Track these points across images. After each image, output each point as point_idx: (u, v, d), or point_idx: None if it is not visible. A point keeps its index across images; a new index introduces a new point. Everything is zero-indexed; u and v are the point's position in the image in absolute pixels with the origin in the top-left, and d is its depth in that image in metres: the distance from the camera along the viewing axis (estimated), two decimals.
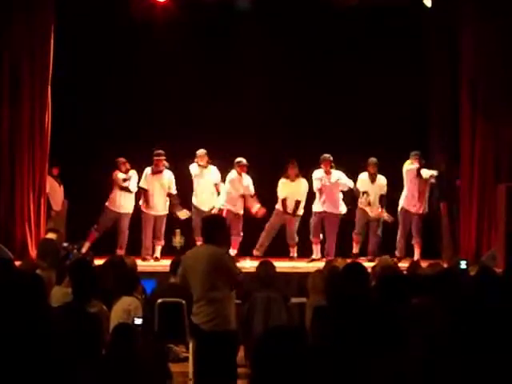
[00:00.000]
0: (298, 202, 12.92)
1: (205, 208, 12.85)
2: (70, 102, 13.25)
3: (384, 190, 13.07)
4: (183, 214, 12.80)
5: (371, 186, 13.05)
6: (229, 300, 7.02)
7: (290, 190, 12.97)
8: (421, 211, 12.90)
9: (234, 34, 13.84)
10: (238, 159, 12.77)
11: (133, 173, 12.77)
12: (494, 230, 12.21)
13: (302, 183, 12.99)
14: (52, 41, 12.30)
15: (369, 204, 13.01)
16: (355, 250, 13.14)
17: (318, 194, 12.97)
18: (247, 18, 13.56)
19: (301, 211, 13.03)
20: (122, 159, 12.79)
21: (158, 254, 12.86)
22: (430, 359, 4.08)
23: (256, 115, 13.84)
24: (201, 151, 12.80)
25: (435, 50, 13.70)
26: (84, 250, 11.97)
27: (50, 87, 12.33)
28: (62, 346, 4.21)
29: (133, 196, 12.88)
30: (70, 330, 5.33)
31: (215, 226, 7.24)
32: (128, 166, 12.79)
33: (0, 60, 12.11)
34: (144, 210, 12.84)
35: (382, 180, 13.11)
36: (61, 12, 12.42)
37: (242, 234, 12.92)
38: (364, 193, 13.01)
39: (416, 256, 12.67)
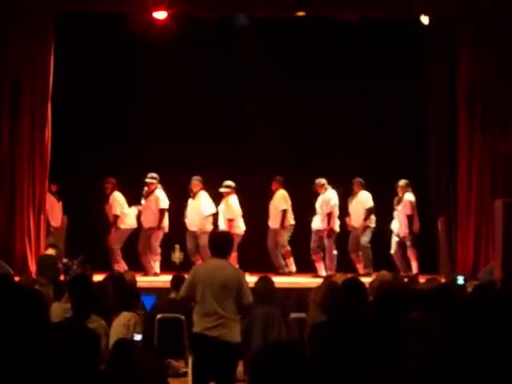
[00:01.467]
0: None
1: (194, 228, 12.98)
2: (69, 118, 13.27)
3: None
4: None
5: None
6: (236, 315, 7.14)
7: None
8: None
9: (233, 49, 13.87)
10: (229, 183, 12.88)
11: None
12: (491, 245, 12.22)
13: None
14: (52, 57, 12.33)
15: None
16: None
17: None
18: (246, 33, 13.61)
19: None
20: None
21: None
22: (428, 373, 4.11)
23: (255, 129, 13.87)
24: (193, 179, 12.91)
25: (433, 64, 13.73)
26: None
27: (50, 104, 12.37)
28: (62, 362, 4.22)
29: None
30: (70, 345, 5.36)
31: (229, 241, 7.54)
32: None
33: (0, 77, 12.13)
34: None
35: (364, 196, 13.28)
36: (61, 29, 12.46)
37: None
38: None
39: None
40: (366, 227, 13.24)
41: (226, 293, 6.99)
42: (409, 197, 12.90)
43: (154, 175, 12.82)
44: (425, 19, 12.63)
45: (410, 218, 12.88)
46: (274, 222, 13.25)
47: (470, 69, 12.57)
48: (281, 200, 13.18)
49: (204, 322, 6.96)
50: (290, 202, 13.19)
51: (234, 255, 12.72)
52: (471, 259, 12.51)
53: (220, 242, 7.40)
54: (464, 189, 12.72)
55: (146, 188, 12.95)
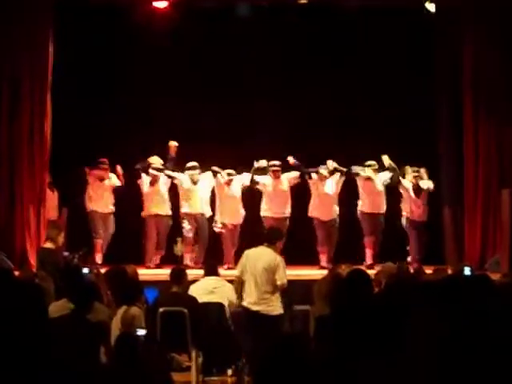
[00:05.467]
0: None
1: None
2: (69, 110, 13.23)
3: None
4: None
5: None
6: (273, 292, 8.58)
7: None
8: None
9: (234, 39, 13.83)
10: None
11: None
12: (498, 235, 12.17)
13: None
14: (51, 49, 12.29)
15: None
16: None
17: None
18: (247, 23, 13.56)
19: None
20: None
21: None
22: (433, 366, 4.05)
23: (258, 120, 13.83)
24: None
25: (437, 52, 13.68)
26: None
27: (49, 96, 12.31)
28: (63, 355, 4.18)
29: None
30: (71, 339, 5.31)
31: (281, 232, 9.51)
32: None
33: None
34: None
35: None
36: (60, 20, 12.41)
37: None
38: None
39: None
40: None
41: (267, 274, 8.51)
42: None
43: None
44: (431, 6, 12.53)
45: None
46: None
47: (475, 57, 12.51)
48: None
49: (248, 297, 8.55)
50: None
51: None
52: (478, 249, 12.46)
53: (274, 231, 9.34)
54: (470, 178, 12.67)
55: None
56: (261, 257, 8.71)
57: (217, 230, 12.86)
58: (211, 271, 9.24)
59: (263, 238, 9.06)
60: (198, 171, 12.80)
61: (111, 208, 13.10)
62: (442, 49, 13.51)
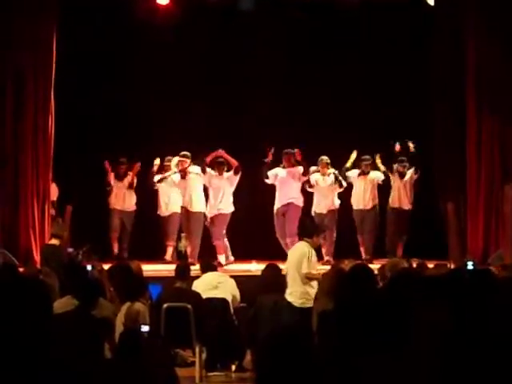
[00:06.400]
0: None
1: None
2: (73, 107, 13.25)
3: None
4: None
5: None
6: (301, 283, 8.87)
7: None
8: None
9: (236, 35, 13.85)
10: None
11: None
12: (501, 230, 12.17)
13: None
14: (54, 47, 12.29)
15: None
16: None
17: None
18: (249, 18, 13.57)
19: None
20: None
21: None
22: (436, 360, 4.07)
23: (260, 115, 13.84)
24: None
25: (440, 47, 13.65)
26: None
27: (53, 93, 12.33)
28: (67, 351, 4.19)
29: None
30: (76, 335, 5.33)
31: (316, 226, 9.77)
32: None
33: (3, 67, 12.09)
34: None
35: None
36: (63, 17, 12.42)
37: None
38: None
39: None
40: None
41: (294, 266, 8.93)
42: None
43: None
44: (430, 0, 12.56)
45: None
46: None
47: (478, 52, 12.47)
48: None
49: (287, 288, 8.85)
50: None
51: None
52: (481, 244, 12.45)
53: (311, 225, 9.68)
54: (473, 173, 12.66)
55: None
56: (294, 250, 9.33)
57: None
58: (208, 268, 9.30)
59: (300, 232, 9.42)
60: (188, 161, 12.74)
61: (132, 206, 13.31)
62: (444, 43, 13.48)
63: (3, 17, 12.02)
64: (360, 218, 13.32)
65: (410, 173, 13.23)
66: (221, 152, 12.54)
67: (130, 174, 13.23)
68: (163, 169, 13.08)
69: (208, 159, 12.56)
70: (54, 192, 12.89)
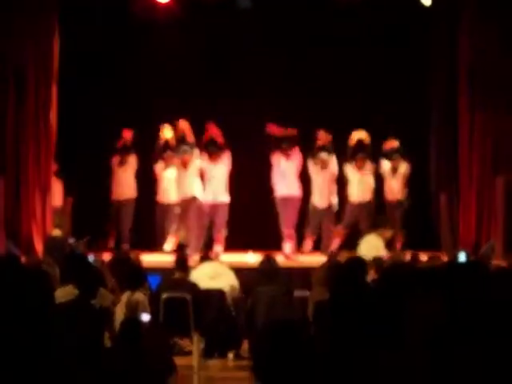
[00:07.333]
0: None
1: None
2: (74, 99, 13.30)
3: None
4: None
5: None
6: None
7: None
8: None
9: (236, 32, 13.86)
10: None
11: None
12: (493, 221, 12.23)
13: None
14: (56, 38, 12.32)
15: None
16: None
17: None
18: (248, 15, 13.59)
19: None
20: None
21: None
22: (429, 351, 4.13)
23: (259, 112, 13.84)
24: None
25: (433, 40, 13.70)
26: None
27: (54, 84, 12.36)
28: (68, 340, 4.26)
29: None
30: (76, 324, 5.41)
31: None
32: None
33: (4, 57, 12.09)
34: None
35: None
36: (64, 8, 12.44)
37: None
38: None
39: None
40: None
41: None
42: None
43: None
44: (426, 1, 12.59)
45: None
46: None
47: (472, 44, 12.48)
48: None
49: None
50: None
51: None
52: (473, 235, 12.49)
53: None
54: (465, 164, 12.69)
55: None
56: (364, 241, 9.92)
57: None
58: (207, 259, 9.41)
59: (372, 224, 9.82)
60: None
61: (132, 194, 13.27)
62: (438, 36, 13.52)
63: (3, 9, 12.02)
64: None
65: (403, 167, 13.15)
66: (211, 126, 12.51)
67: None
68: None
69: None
70: (59, 186, 12.96)
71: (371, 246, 9.83)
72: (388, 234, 9.47)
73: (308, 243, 12.96)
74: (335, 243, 12.69)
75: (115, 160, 13.15)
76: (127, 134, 13.06)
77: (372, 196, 13.00)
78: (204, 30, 13.82)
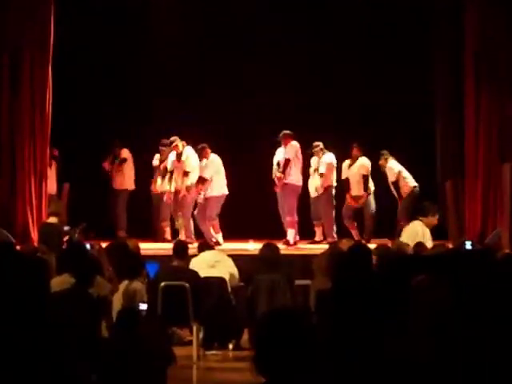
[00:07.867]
0: None
1: None
2: (70, 82, 13.23)
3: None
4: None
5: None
6: None
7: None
8: None
9: (236, 32, 13.90)
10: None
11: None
12: (499, 209, 12.14)
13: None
14: (52, 23, 12.22)
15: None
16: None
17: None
18: (249, 16, 13.59)
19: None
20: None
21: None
22: (433, 338, 4.07)
23: (256, 88, 13.81)
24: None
25: (439, 24, 13.62)
26: None
27: (50, 69, 12.27)
28: (64, 329, 4.19)
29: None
30: (73, 313, 5.32)
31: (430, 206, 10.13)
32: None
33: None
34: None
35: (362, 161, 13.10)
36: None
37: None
38: None
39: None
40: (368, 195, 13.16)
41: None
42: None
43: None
44: None
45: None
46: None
47: (478, 28, 12.36)
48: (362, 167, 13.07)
49: None
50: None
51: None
52: (479, 223, 12.42)
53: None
54: (471, 152, 12.61)
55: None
56: (407, 228, 10.04)
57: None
58: (206, 247, 9.34)
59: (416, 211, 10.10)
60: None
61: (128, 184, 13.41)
62: (444, 19, 13.43)
63: None
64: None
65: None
66: None
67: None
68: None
69: None
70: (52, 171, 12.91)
71: (413, 234, 9.75)
72: (434, 221, 9.49)
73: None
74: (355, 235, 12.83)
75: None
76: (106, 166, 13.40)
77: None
78: (204, 30, 13.80)
